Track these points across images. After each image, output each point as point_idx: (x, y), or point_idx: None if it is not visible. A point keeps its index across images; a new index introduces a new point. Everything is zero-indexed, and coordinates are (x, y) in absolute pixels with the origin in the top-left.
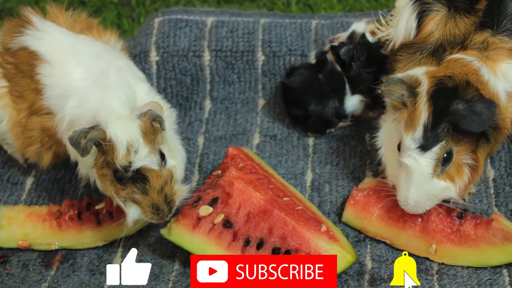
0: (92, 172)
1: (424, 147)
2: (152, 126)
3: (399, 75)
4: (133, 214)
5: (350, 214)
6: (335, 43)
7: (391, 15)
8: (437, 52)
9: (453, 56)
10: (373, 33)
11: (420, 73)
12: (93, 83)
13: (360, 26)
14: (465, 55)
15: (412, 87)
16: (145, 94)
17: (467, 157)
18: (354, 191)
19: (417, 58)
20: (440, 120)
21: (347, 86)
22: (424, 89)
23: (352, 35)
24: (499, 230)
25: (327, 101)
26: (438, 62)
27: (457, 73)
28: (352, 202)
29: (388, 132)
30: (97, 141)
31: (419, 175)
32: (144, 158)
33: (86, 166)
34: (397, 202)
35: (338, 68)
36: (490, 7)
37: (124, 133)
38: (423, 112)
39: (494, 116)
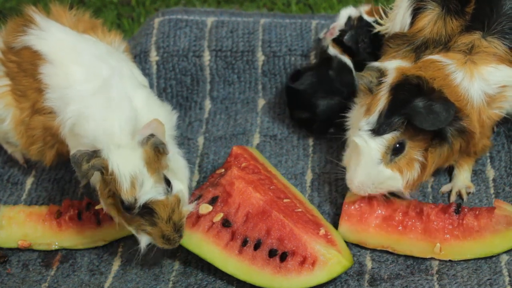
0: (100, 200)
1: (376, 131)
2: (155, 154)
3: (376, 63)
4: (146, 241)
5: (346, 230)
6: (335, 35)
7: (390, 8)
8: (419, 49)
9: (431, 57)
10: (368, 13)
11: (392, 66)
12: (94, 93)
13: (352, 11)
14: (444, 57)
15: (381, 77)
16: (143, 103)
17: (419, 154)
18: (345, 206)
19: (402, 50)
20: (396, 111)
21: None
22: (388, 80)
23: (349, 21)
24: (502, 216)
25: (336, 99)
26: (416, 59)
27: (426, 75)
28: (346, 218)
29: (355, 115)
30: (99, 169)
31: (368, 157)
32: (149, 191)
33: None
34: (393, 207)
35: (345, 60)
36: (480, 10)
37: (127, 165)
38: (382, 100)
39: (451, 118)
